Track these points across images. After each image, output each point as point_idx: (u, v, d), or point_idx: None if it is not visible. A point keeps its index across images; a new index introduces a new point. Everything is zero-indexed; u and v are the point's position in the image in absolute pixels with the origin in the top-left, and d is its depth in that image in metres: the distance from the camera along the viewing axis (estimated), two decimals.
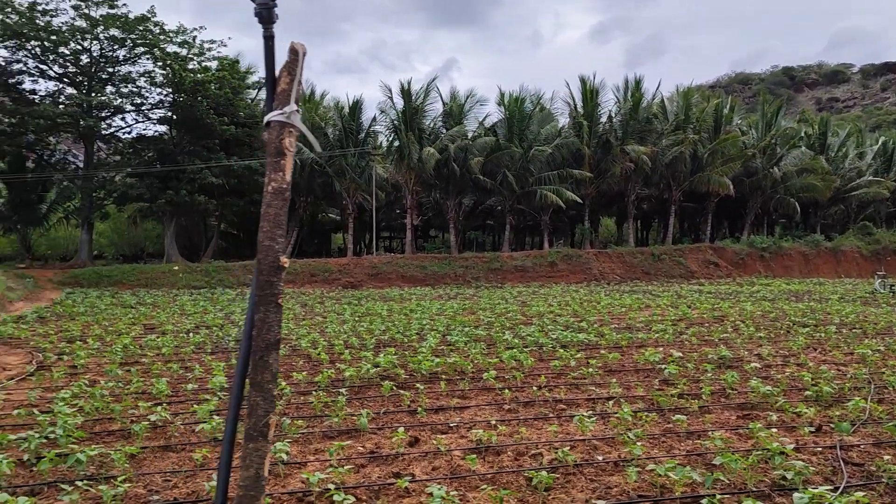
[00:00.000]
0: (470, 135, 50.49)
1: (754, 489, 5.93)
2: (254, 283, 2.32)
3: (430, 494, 5.41)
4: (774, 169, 53.94)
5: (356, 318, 20.94)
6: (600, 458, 6.85)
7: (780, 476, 6.14)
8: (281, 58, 2.76)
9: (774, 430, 7.41)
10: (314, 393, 9.81)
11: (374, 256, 48.94)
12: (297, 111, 2.71)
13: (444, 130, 50.49)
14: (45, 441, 7.23)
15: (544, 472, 5.90)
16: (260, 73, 52.70)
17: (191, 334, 17.48)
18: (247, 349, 2.23)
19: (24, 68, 43.74)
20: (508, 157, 47.64)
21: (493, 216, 59.84)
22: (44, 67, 44.35)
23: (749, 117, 65.78)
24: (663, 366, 11.52)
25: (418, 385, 10.23)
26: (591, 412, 8.54)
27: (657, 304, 25.52)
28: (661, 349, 13.69)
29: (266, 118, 2.75)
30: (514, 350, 13.31)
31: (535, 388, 10.22)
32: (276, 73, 2.75)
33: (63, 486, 5.75)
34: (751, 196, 55.37)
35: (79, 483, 5.74)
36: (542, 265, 45.63)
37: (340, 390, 9.92)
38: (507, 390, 9.91)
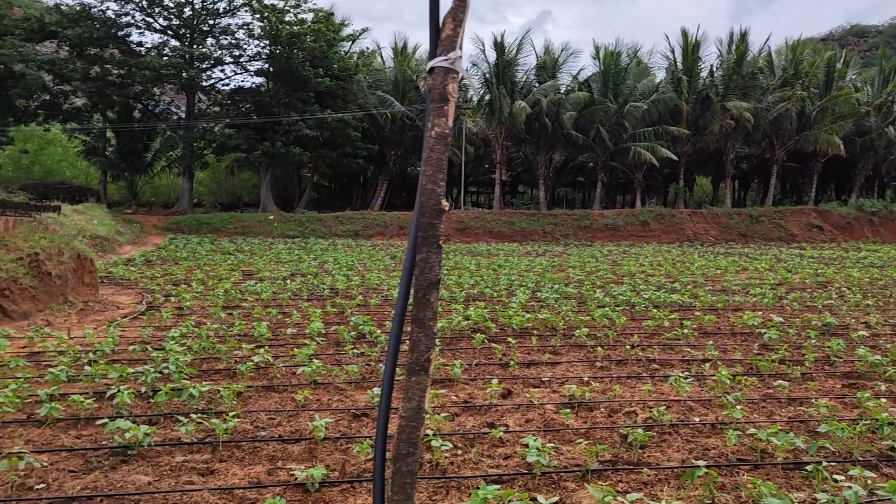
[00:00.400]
0: (563, 89, 49.54)
1: (860, 459, 5.73)
2: (413, 225, 2.37)
3: (526, 445, 5.48)
4: (890, 128, 50.68)
5: (445, 272, 21.15)
6: (697, 419, 6.75)
7: (888, 447, 5.91)
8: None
9: (883, 399, 7.12)
10: (407, 342, 10.01)
11: (461, 211, 49.08)
12: (461, 57, 2.71)
13: (537, 84, 49.69)
14: (159, 376, 7.69)
15: (640, 430, 5.87)
16: (354, 27, 53.08)
17: (287, 281, 18.08)
18: (406, 288, 2.30)
19: (132, 21, 45.49)
20: (602, 112, 46.55)
21: (583, 173, 58.84)
22: (149, 20, 46.01)
23: (864, 72, 61.66)
24: (763, 330, 11.17)
25: (509, 339, 10.29)
26: (686, 373, 8.40)
27: (755, 267, 24.66)
28: (759, 313, 13.27)
29: (430, 64, 2.76)
30: (606, 308, 13.17)
31: (627, 346, 10.12)
32: (440, 19, 2.75)
33: (179, 417, 6.12)
34: (861, 157, 52.27)
35: (193, 416, 6.09)
36: (633, 224, 44.72)
37: None
38: (599, 348, 9.86)
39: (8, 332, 10.16)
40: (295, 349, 9.31)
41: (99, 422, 5.95)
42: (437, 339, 10.13)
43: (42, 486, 4.95)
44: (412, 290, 2.35)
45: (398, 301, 2.35)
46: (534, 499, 4.40)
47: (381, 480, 2.21)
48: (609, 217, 45.53)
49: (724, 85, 48.55)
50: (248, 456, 5.67)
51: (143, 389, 7.35)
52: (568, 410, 6.61)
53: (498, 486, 4.43)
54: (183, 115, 49.88)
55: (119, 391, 6.61)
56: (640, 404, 7.21)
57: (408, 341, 2.66)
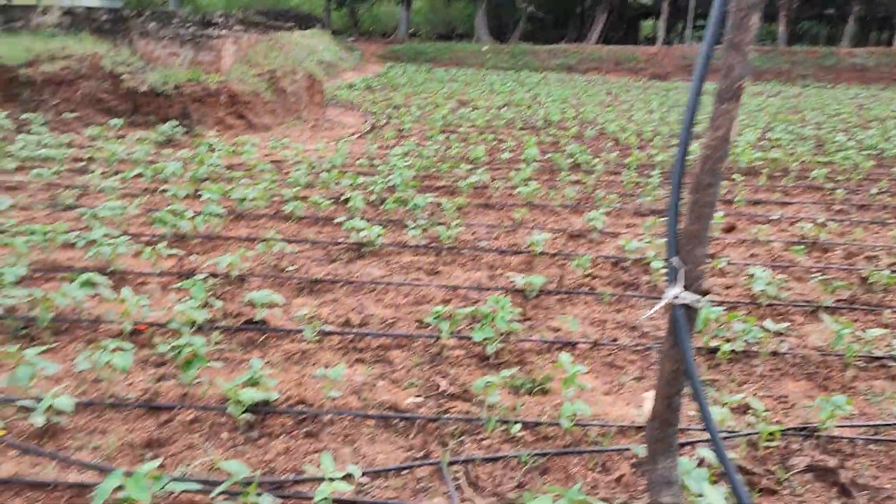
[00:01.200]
0: None
1: None
2: None
3: (751, 276, 5.23)
4: None
5: (664, 110, 20.03)
6: None
7: None
8: None
9: None
10: (624, 174, 9.77)
11: (686, 46, 45.49)
12: None
13: None
14: (386, 187, 8.14)
15: (885, 272, 5.37)
16: None
17: (501, 111, 18.08)
18: (720, 15, 2.14)
19: None
20: None
21: (833, 4, 51.63)
22: None
23: None
24: None
25: (735, 176, 9.68)
26: None
27: None
28: None
29: None
30: (849, 152, 11.90)
31: (872, 191, 9.16)
32: None
33: (407, 222, 6.50)
34: None
35: (420, 222, 6.43)
36: (888, 64, 39.08)
37: (651, 174, 9.74)
38: (838, 191, 9.01)
39: (253, 140, 11.18)
40: (511, 172, 9.41)
41: (336, 220, 6.46)
42: (653, 172, 9.78)
43: (292, 268, 5.55)
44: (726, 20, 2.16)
45: (703, 42, 2.18)
46: (760, 325, 4.24)
47: (675, 209, 2.17)
48: (859, 56, 40.09)
49: None
50: (470, 262, 5.95)
51: (372, 198, 7.84)
52: (800, 247, 6.18)
53: (722, 309, 4.31)
54: None
55: (352, 196, 7.11)
56: (884, 250, 6.58)
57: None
